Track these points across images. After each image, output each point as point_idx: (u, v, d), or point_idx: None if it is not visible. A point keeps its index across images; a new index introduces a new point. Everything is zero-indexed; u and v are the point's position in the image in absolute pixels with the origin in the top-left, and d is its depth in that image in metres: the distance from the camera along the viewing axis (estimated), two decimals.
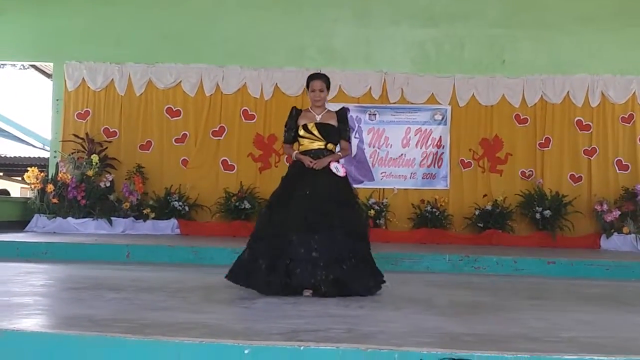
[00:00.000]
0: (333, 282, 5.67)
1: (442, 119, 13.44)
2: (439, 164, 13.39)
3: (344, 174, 6.21)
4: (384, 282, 6.04)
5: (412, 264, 8.82)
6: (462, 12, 13.66)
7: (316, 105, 6.39)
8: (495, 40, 13.60)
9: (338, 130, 6.36)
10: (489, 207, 12.90)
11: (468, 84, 13.46)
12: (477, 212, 12.95)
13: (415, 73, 13.54)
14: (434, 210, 12.95)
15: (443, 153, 13.40)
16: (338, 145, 6.42)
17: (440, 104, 13.46)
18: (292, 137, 6.40)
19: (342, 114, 6.46)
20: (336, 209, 5.90)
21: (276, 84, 13.56)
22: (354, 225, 5.96)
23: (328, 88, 6.43)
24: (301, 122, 6.34)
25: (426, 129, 13.45)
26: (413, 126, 13.47)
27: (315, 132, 6.27)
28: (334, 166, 6.16)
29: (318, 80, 6.38)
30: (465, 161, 13.41)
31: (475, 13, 13.65)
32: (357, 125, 13.45)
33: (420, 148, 13.42)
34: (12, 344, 3.66)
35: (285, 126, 6.47)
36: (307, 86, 6.46)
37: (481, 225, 12.83)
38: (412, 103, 13.49)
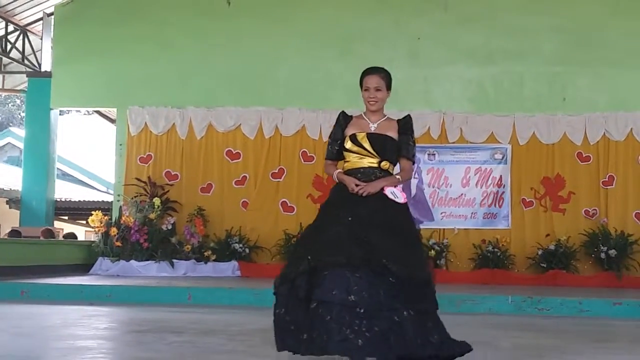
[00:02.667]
0: (379, 336, 4.00)
1: (503, 157, 13.33)
2: (500, 204, 13.24)
3: (404, 201, 4.58)
4: (469, 349, 4.33)
5: (474, 305, 8.70)
6: (519, 49, 13.59)
7: (371, 109, 4.74)
8: (554, 78, 13.48)
9: (398, 145, 4.67)
10: (552, 247, 12.68)
11: (528, 122, 13.34)
12: (539, 252, 12.75)
13: (474, 112, 13.48)
14: (496, 250, 12.79)
15: (504, 192, 13.25)
16: (397, 164, 4.77)
17: (500, 142, 13.36)
18: (336, 151, 4.77)
19: (406, 122, 4.76)
20: (390, 243, 4.28)
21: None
22: (413, 266, 4.25)
23: (389, 87, 4.76)
24: (349, 131, 4.72)
25: (486, 168, 13.34)
26: (473, 165, 13.38)
27: (367, 145, 4.62)
28: (389, 191, 4.53)
29: (374, 75, 4.77)
30: (527, 200, 13.23)
31: (532, 50, 13.56)
32: (416, 165, 13.40)
33: (481, 187, 13.31)
34: None
35: (330, 137, 4.88)
36: (361, 85, 4.84)
37: (544, 265, 12.62)
38: (471, 142, 13.42)
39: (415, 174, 13.33)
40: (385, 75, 4.76)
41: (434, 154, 13.46)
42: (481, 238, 13.07)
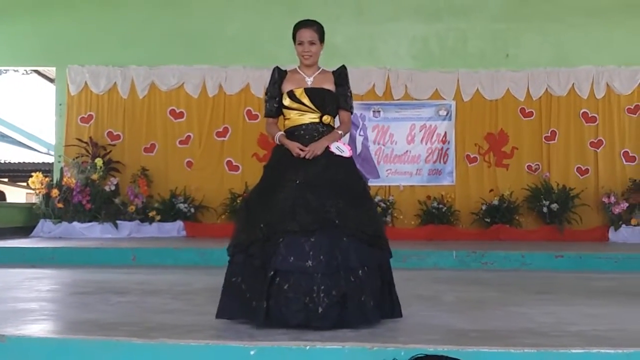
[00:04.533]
0: (338, 300, 4.09)
1: (447, 114, 13.40)
2: (445, 160, 13.34)
3: (350, 154, 4.60)
4: (400, 315, 4.50)
5: (419, 261, 8.77)
6: (464, 6, 13.61)
7: (306, 63, 4.72)
8: (498, 34, 13.54)
9: (336, 97, 4.66)
10: (495, 202, 12.85)
11: (472, 79, 13.41)
12: (484, 207, 12.91)
13: (418, 69, 13.49)
14: (441, 206, 12.91)
15: (448, 149, 13.35)
16: (337, 117, 4.73)
17: (445, 99, 13.42)
18: (275, 108, 4.74)
19: (341, 73, 4.75)
20: (340, 202, 4.29)
21: None
22: (364, 224, 4.29)
23: (322, 40, 4.75)
24: (286, 87, 4.68)
25: (431, 125, 13.41)
26: (418, 122, 13.43)
27: (306, 101, 4.60)
28: (334, 147, 4.53)
29: (307, 28, 4.74)
30: (471, 156, 13.36)
31: (477, 7, 13.59)
32: (361, 122, 13.41)
33: (426, 144, 13.38)
34: (18, 350, 3.64)
35: (266, 94, 4.84)
36: (294, 39, 4.80)
37: (488, 220, 12.78)
38: (416, 99, 13.45)
39: (360, 131, 13.35)
40: (319, 28, 4.74)
41: (379, 111, 13.46)
42: (426, 194, 13.18)
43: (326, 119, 4.61)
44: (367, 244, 4.25)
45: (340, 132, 4.62)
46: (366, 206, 4.44)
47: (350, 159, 4.56)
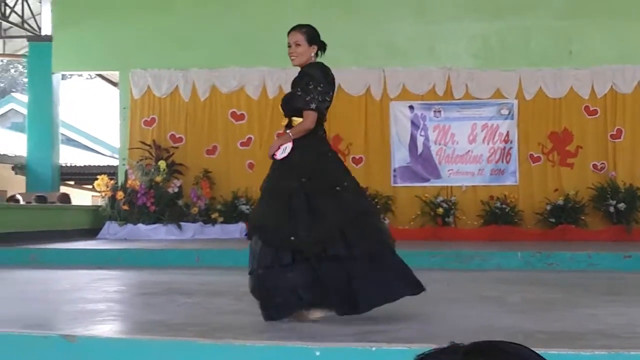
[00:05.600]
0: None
1: (509, 113, 13.23)
2: (507, 159, 13.18)
3: (283, 156, 4.54)
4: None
5: (483, 262, 8.66)
6: (526, 3, 13.43)
7: (293, 65, 4.81)
8: (561, 31, 13.32)
9: (296, 98, 4.63)
10: (560, 202, 12.64)
11: (535, 77, 13.22)
12: (548, 207, 12.71)
13: (479, 68, 13.36)
14: (504, 206, 12.75)
15: (511, 148, 13.18)
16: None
17: (507, 98, 13.26)
18: None
19: (297, 75, 4.73)
20: (258, 204, 4.71)
21: (339, 84, 13.48)
22: (256, 219, 4.67)
23: (311, 42, 4.78)
24: None
25: (493, 124, 13.26)
26: (479, 122, 13.29)
27: (280, 106, 4.81)
28: (282, 149, 4.53)
29: (294, 31, 4.82)
30: (535, 155, 13.17)
31: (539, 4, 13.40)
32: (422, 122, 13.34)
33: (488, 144, 13.23)
34: (88, 350, 3.70)
35: None
36: None
37: (553, 220, 12.59)
38: (477, 98, 13.32)
39: (421, 131, 13.27)
40: (307, 31, 4.78)
41: (440, 111, 13.37)
42: (489, 194, 13.03)
43: (295, 121, 4.58)
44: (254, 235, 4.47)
45: (289, 132, 4.57)
46: (262, 203, 4.66)
47: (283, 159, 4.52)
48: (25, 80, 22.14)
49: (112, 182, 12.90)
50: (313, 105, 4.50)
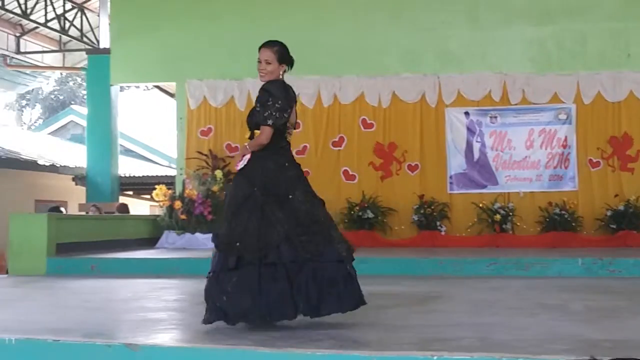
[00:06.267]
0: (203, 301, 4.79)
1: (567, 118, 13.03)
2: (566, 165, 12.97)
3: (238, 167, 4.81)
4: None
5: (543, 269, 8.55)
6: (580, 6, 13.21)
7: (261, 81, 4.99)
8: (618, 33, 13.08)
9: (257, 113, 4.82)
10: (621, 208, 12.40)
11: (593, 81, 13.00)
12: (608, 213, 12.48)
13: (535, 72, 13.18)
14: (563, 212, 12.54)
15: (569, 153, 12.97)
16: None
17: (564, 102, 13.06)
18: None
19: (261, 89, 4.92)
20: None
21: (394, 91, 13.48)
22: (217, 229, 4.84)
23: (281, 61, 4.96)
24: None
25: (550, 129, 13.07)
26: (536, 127, 13.11)
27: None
28: (243, 161, 4.80)
29: (266, 48, 5.03)
30: (594, 160, 12.93)
31: (594, 6, 13.17)
32: (478, 128, 13.22)
33: (545, 149, 13.05)
34: (150, 358, 3.74)
35: None
36: None
37: (614, 226, 12.35)
38: (534, 103, 13.14)
39: (477, 137, 13.15)
40: (279, 50, 4.96)
41: (496, 117, 13.23)
42: (547, 200, 12.83)
43: (257, 134, 4.78)
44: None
45: (247, 145, 4.81)
46: (223, 215, 4.84)
47: (241, 170, 4.76)
48: (84, 92, 22.55)
49: (169, 191, 13.03)
50: (270, 122, 4.69)
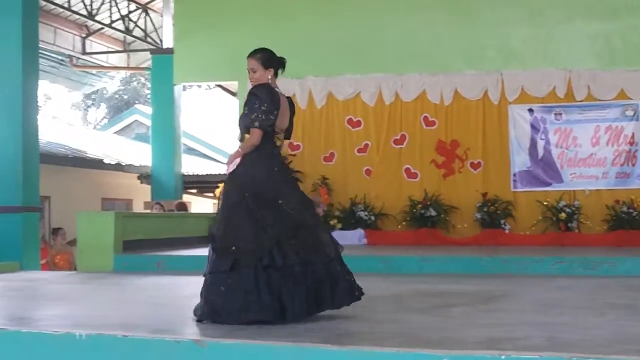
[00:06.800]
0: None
1: (634, 114, 12.76)
2: (633, 162, 12.70)
3: (229, 170, 5.01)
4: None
5: (611, 268, 8.39)
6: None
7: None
8: None
9: (245, 117, 4.99)
10: None
11: None
12: None
13: (601, 68, 12.94)
14: (631, 210, 12.30)
15: (637, 150, 12.70)
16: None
17: (632, 98, 12.79)
18: None
19: (248, 93, 5.07)
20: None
21: (456, 88, 13.38)
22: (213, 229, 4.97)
23: (267, 66, 5.16)
24: None
25: (617, 126, 12.82)
26: (602, 124, 12.88)
27: None
28: (233, 164, 4.98)
29: (250, 58, 5.22)
30: None
31: None
32: (542, 125, 13.04)
33: (612, 146, 12.80)
34: (217, 355, 3.78)
35: None
36: None
37: None
38: (600, 100, 12.90)
39: (541, 134, 12.97)
40: (261, 56, 5.18)
41: (561, 114, 13.03)
42: (614, 198, 12.59)
43: (245, 138, 4.99)
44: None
45: (239, 148, 5.01)
46: (218, 215, 5.00)
47: (232, 173, 4.94)
48: (148, 92, 22.89)
49: None
50: (257, 124, 4.88)
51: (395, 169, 13.51)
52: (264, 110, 4.90)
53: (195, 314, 4.83)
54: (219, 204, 5.07)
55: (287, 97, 5.26)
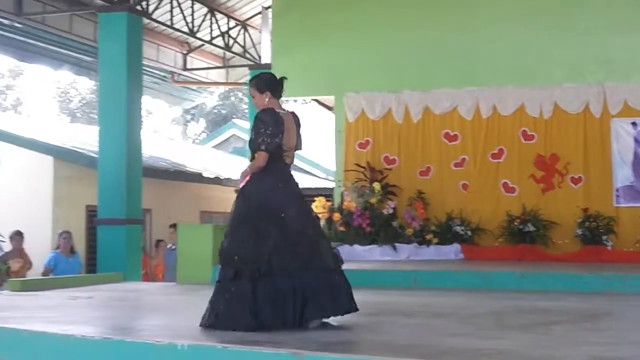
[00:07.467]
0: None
1: None
2: None
3: (240, 186, 5.44)
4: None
5: None
6: None
7: None
8: None
9: (252, 140, 5.41)
10: None
11: None
12: None
13: None
14: None
15: None
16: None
17: None
18: None
19: (255, 117, 5.44)
20: None
21: (555, 101, 13.13)
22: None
23: (261, 90, 5.46)
24: None
25: None
26: None
27: None
28: (244, 181, 5.43)
29: (249, 87, 5.68)
30: None
31: None
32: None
33: None
34: None
35: None
36: None
37: None
38: None
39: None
40: (256, 82, 5.50)
41: None
42: None
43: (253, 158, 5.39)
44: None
45: (247, 167, 5.42)
46: (227, 226, 5.41)
47: (242, 189, 5.39)
48: (246, 106, 23.24)
49: (328, 203, 13.23)
50: (263, 147, 5.27)
51: (493, 183, 13.32)
52: (269, 134, 5.26)
53: (202, 319, 5.17)
54: (229, 217, 5.50)
55: (292, 112, 5.58)
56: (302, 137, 5.59)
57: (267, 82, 5.50)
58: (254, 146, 5.32)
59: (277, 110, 5.39)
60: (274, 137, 5.27)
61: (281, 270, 5.01)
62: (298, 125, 5.58)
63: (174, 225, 13.11)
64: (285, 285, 4.99)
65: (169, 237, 14.24)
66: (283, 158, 5.43)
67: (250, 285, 4.97)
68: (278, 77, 5.54)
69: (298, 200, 5.45)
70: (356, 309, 5.29)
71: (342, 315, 5.23)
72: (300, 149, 5.67)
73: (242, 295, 4.98)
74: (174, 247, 12.64)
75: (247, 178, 5.36)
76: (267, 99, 5.43)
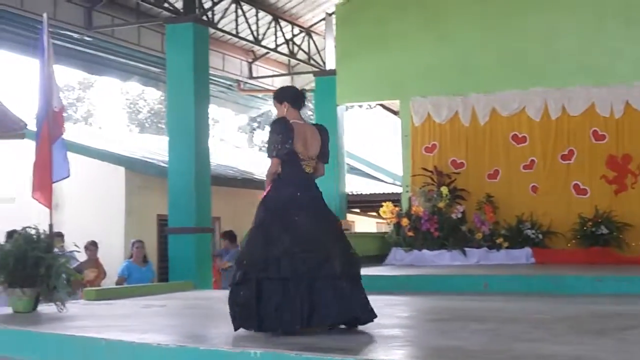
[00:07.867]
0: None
1: None
2: None
3: (264, 195, 5.53)
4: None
5: None
6: None
7: None
8: None
9: (266, 148, 5.66)
10: None
11: None
12: None
13: None
14: None
15: None
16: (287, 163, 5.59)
17: None
18: None
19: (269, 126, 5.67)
20: None
21: (627, 100, 12.86)
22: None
23: (280, 100, 5.67)
24: None
25: None
26: None
27: None
28: (265, 192, 5.54)
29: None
30: None
31: None
32: None
33: None
34: None
35: None
36: None
37: None
38: None
39: None
40: (276, 95, 5.74)
41: None
42: None
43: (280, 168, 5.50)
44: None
45: (265, 176, 5.59)
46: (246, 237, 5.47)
47: (263, 198, 5.46)
48: (311, 113, 23.32)
49: (396, 208, 13.19)
50: (274, 153, 5.43)
51: (563, 185, 13.11)
52: (279, 140, 5.39)
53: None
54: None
55: (317, 125, 5.74)
56: (329, 152, 5.76)
57: (286, 94, 5.70)
58: (267, 153, 5.51)
59: (293, 120, 5.49)
60: (284, 143, 5.38)
61: (291, 274, 5.05)
62: (323, 137, 5.68)
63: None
64: (294, 289, 5.02)
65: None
66: (302, 167, 5.50)
67: (256, 288, 5.06)
68: (299, 90, 5.83)
69: (314, 207, 5.48)
70: (371, 319, 5.29)
71: (355, 326, 5.27)
72: (326, 162, 5.76)
73: (248, 297, 5.08)
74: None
75: (268, 188, 5.49)
76: (285, 110, 5.59)
